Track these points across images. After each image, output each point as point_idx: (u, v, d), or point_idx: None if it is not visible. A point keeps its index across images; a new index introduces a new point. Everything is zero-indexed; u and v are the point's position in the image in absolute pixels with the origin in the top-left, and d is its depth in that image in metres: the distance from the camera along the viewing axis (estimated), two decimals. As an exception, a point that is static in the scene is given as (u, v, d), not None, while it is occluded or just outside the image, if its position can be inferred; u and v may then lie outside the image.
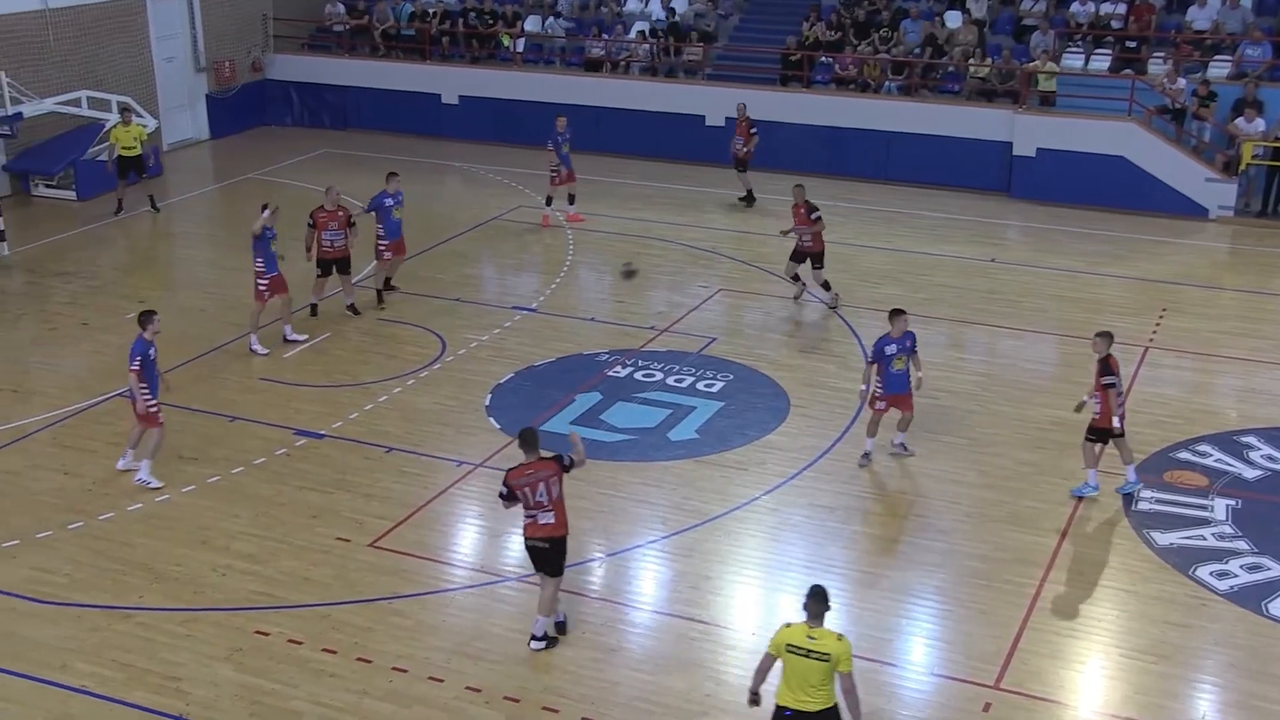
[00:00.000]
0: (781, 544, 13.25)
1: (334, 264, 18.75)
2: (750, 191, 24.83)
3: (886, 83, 26.90)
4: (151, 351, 14.13)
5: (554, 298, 19.98)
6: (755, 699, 9.52)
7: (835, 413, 16.03)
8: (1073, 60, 26.37)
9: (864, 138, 26.41)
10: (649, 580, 12.79)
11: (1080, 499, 13.97)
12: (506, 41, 29.90)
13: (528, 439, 11.29)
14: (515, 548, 13.19)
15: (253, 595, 12.23)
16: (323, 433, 15.33)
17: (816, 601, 9.17)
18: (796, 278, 19.67)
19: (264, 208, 17.80)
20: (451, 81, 29.69)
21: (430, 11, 30.91)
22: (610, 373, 17.18)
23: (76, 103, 25.00)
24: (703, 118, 27.61)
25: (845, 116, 26.62)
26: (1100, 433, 13.84)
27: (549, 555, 11.33)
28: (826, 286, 19.51)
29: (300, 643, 11.50)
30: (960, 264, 21.64)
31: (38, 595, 12.17)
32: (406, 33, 30.79)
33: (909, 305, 17.88)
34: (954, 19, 27.33)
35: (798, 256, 19.46)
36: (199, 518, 13.57)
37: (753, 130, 24.78)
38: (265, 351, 17.73)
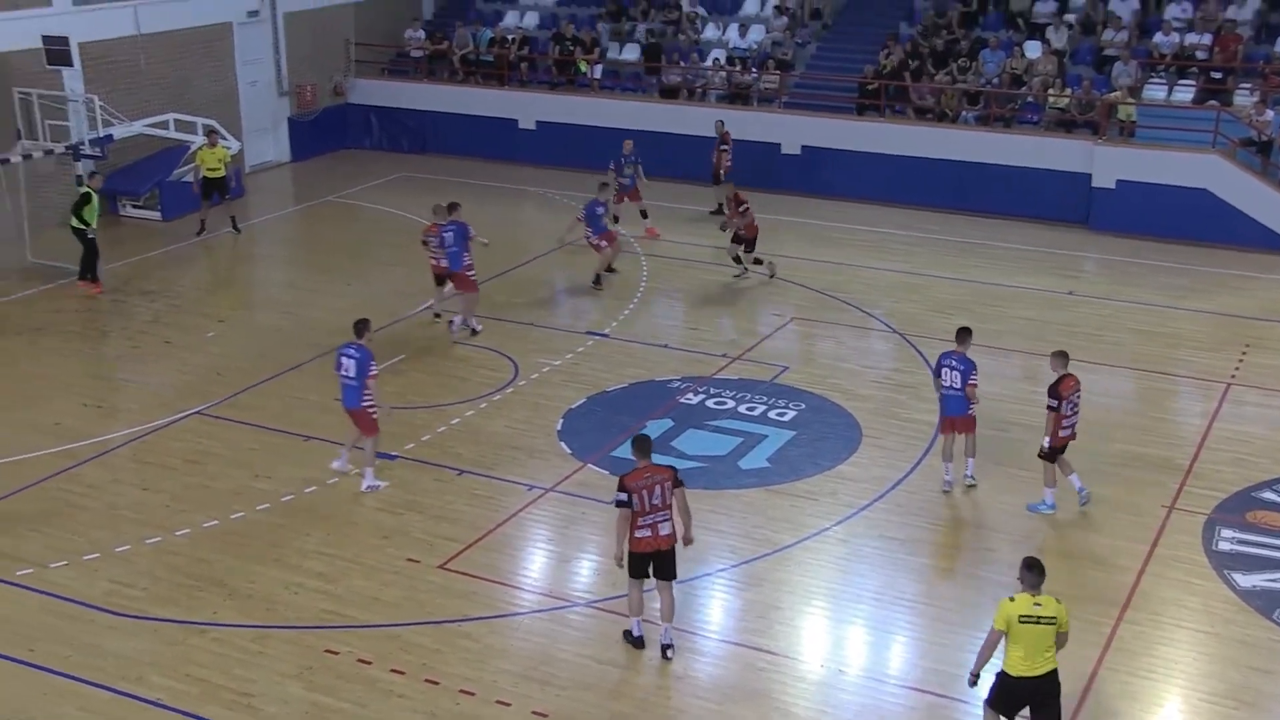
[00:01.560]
0: (852, 575, 13.15)
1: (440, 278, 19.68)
2: (720, 206, 25.20)
3: (964, 113, 26.72)
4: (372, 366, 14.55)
5: (627, 323, 20.03)
6: (976, 680, 10.07)
7: (908, 444, 15.90)
8: (1155, 91, 26.03)
9: (940, 168, 26.23)
10: (717, 608, 12.74)
11: (1036, 512, 14.20)
12: (584, 68, 30.10)
13: (641, 444, 11.65)
14: (585, 573, 13.24)
15: (323, 614, 12.35)
16: (395, 454, 15.46)
17: (1034, 572, 9.83)
18: (738, 259, 22.05)
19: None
20: (529, 107, 29.94)
21: (509, 38, 31.21)
22: (682, 399, 17.18)
23: (164, 125, 25.51)
24: (778, 145, 27.60)
25: (921, 146, 26.46)
26: (1052, 452, 14.09)
27: (667, 562, 11.60)
28: (758, 262, 21.83)
29: (369, 662, 11.58)
30: (1036, 296, 21.40)
31: (117, 608, 12.38)
32: (485, 59, 31.10)
33: (982, 337, 17.72)
34: (1033, 49, 27.10)
35: (737, 240, 21.95)
36: (272, 535, 13.73)
37: (723, 147, 25.60)
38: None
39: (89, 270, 21.21)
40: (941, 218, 25.71)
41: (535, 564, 13.58)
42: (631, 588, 11.76)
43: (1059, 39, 27.14)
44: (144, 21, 25.97)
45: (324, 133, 31.00)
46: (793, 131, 27.49)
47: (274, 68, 29.74)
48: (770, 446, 15.85)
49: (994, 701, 10.03)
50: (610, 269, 21.85)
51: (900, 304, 20.70)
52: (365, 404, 14.49)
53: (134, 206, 25.64)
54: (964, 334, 14.66)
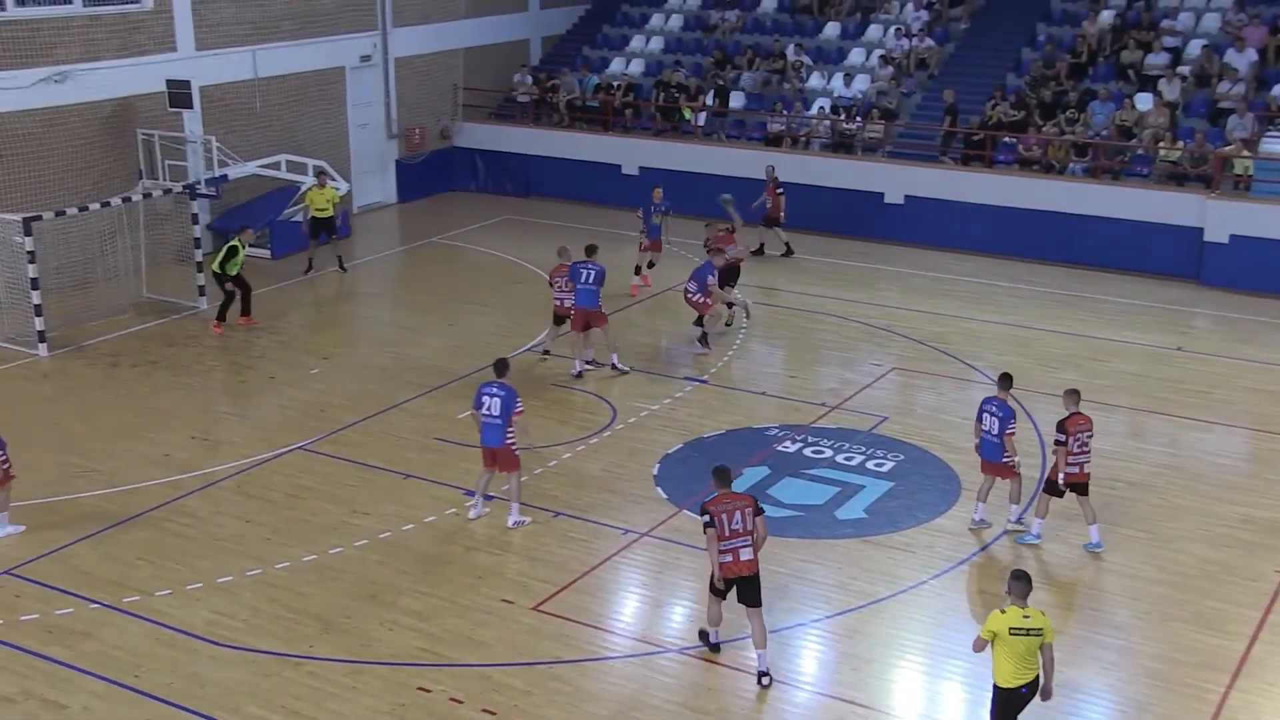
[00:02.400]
0: (947, 630, 12.92)
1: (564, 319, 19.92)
2: (788, 245, 26.11)
3: (1071, 164, 26.37)
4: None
5: (726, 370, 20.00)
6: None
7: (1007, 496, 15.59)
8: (1273, 144, 25.45)
9: (1046, 219, 25.89)
10: (810, 659, 12.59)
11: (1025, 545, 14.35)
12: (688, 115, 30.27)
13: (721, 474, 12.09)
14: (677, 619, 13.18)
15: (417, 651, 12.42)
16: (491, 495, 15.55)
17: (1023, 583, 10.20)
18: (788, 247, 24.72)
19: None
20: (632, 153, 30.17)
21: (615, 84, 31.52)
22: (779, 447, 17.08)
23: (276, 166, 26.15)
24: (881, 195, 27.47)
25: (1027, 198, 26.15)
26: (1050, 484, 14.42)
27: (751, 588, 11.87)
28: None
29: (461, 702, 11.62)
30: (1144, 351, 20.97)
31: (217, 638, 12.58)
32: (590, 104, 31.45)
33: (1088, 391, 17.38)
34: (1144, 101, 26.68)
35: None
36: (369, 571, 13.87)
37: (779, 191, 25.88)
38: (626, 369, 19.65)
39: (223, 312, 21.63)
40: (1047, 270, 25.35)
41: (628, 608, 13.54)
42: (712, 603, 12.19)
43: (1171, 91, 26.71)
44: (262, 66, 26.70)
45: (430, 175, 31.53)
46: (896, 181, 27.36)
47: (384, 111, 30.36)
48: (868, 497, 15.68)
49: (996, 716, 10.39)
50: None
51: (1004, 356, 20.39)
52: (509, 441, 14.68)
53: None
54: (1005, 380, 14.72)
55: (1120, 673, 12.21)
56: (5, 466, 14.40)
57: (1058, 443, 14.20)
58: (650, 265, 24.14)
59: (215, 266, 21.44)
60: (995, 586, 13.61)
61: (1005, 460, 14.45)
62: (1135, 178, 25.92)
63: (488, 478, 15.03)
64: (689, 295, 20.50)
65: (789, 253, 26.03)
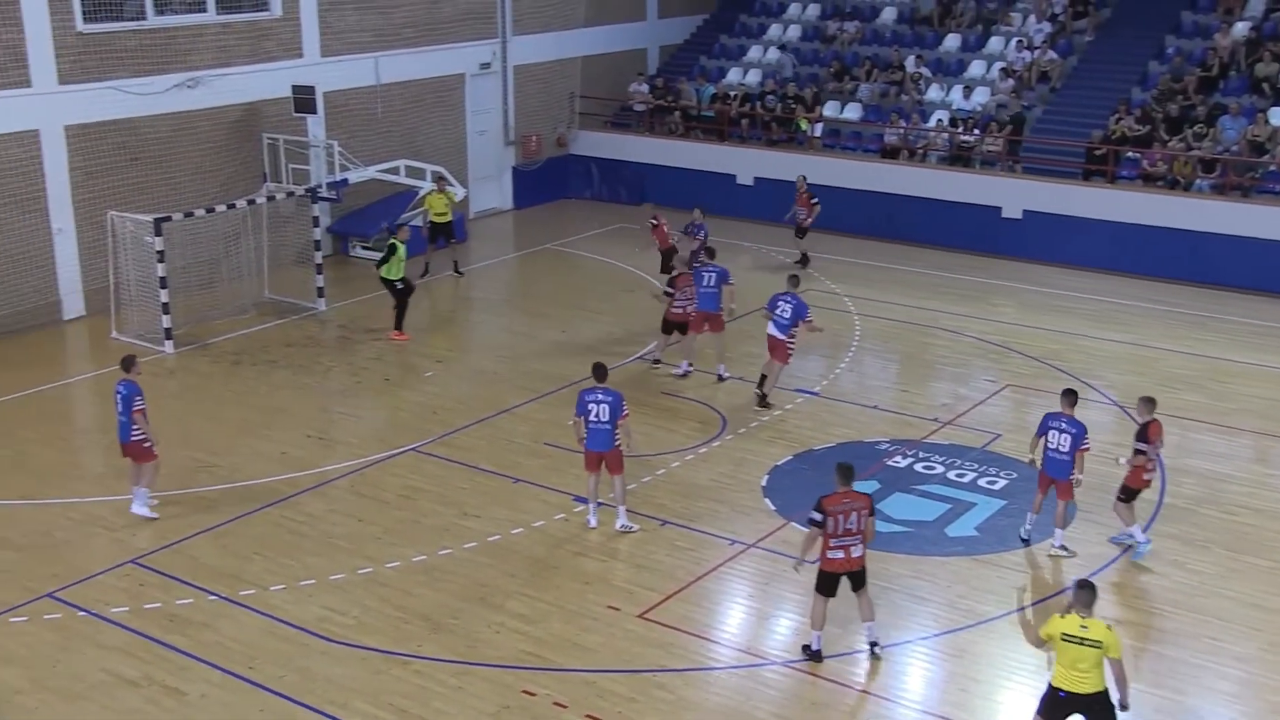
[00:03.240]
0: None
1: (677, 326, 19.92)
2: (805, 255, 25.98)
3: (1198, 180, 25.72)
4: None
5: (837, 382, 19.86)
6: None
7: (1055, 522, 15.26)
8: None
9: (1171, 237, 25.27)
10: (917, 677, 12.43)
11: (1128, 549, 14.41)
12: (804, 126, 30.15)
13: (844, 472, 12.27)
14: (782, 632, 13.11)
15: (523, 655, 12.52)
16: (600, 501, 15.62)
17: (1087, 592, 10.27)
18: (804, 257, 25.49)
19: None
20: (747, 163, 30.12)
21: (731, 94, 31.49)
22: (890, 462, 16.91)
23: (395, 171, 26.58)
24: (999, 209, 27.07)
25: (1151, 214, 25.54)
26: (1129, 491, 14.42)
27: (859, 576, 12.32)
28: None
29: (565, 706, 11.68)
30: (1273, 374, 20.36)
31: (328, 634, 12.81)
32: (706, 114, 31.48)
33: (1212, 415, 17.00)
34: (1279, 116, 25.94)
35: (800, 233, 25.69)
36: (478, 574, 14.02)
37: (814, 201, 25.86)
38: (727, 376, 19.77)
39: (399, 320, 21.77)
40: (1170, 289, 24.75)
41: (733, 619, 13.50)
42: (817, 603, 12.39)
43: (1308, 106, 25.93)
44: (384, 72, 27.18)
45: (546, 182, 31.81)
46: (1014, 195, 26.94)
47: (502, 118, 30.71)
48: (979, 515, 15.45)
49: (1041, 711, 10.50)
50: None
51: (1124, 376, 19.98)
52: (616, 444, 14.85)
53: (363, 248, 26.72)
54: (1071, 396, 14.51)
55: (1242, 705, 11.87)
56: (146, 444, 14.96)
57: (1138, 451, 14.24)
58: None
59: (379, 272, 21.66)
60: (1110, 611, 13.30)
61: (1071, 477, 14.22)
62: (1267, 195, 25.19)
63: (595, 482, 15.10)
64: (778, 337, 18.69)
65: (805, 262, 25.83)
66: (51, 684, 11.97)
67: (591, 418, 14.76)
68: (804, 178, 26.14)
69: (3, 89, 21.07)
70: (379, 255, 22.16)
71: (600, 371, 15.12)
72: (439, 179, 25.68)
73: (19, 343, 21.28)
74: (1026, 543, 14.74)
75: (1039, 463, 14.60)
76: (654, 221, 24.42)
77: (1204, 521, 15.34)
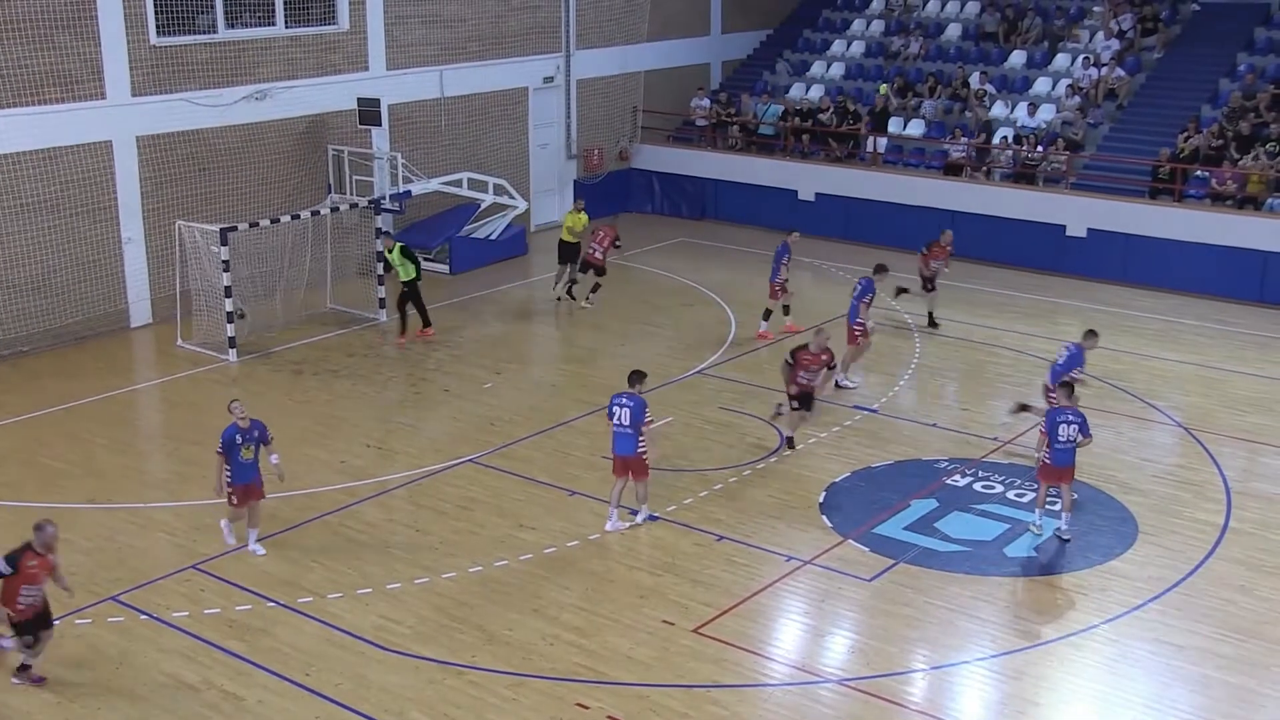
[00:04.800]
0: (1120, 678, 12.49)
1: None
2: (932, 316, 23.48)
3: (1271, 200, 25.32)
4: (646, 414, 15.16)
5: (896, 400, 19.74)
6: None
7: (1189, 544, 15.06)
8: None
9: (1240, 257, 24.90)
10: (973, 699, 12.31)
11: None
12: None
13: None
14: (838, 650, 13.03)
15: (576, 667, 12.53)
16: (656, 515, 15.62)
17: None
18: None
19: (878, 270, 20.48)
20: (809, 178, 30.04)
21: (797, 109, 31.40)
22: (949, 481, 16.78)
23: (458, 183, 26.79)
24: (1063, 227, 26.82)
25: (1220, 233, 25.18)
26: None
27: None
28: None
29: (618, 720, 11.70)
30: (1342, 397, 20.00)
31: (384, 643, 12.90)
32: (764, 130, 31.45)
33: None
34: (1350, 135, 25.53)
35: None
36: (533, 586, 14.06)
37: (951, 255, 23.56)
38: (853, 384, 19.86)
39: (423, 320, 22.29)
40: (1239, 309, 24.38)
41: (789, 636, 13.44)
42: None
43: (1380, 125, 25.50)
44: (448, 85, 27.42)
45: (608, 195, 31.88)
46: (1079, 213, 26.68)
47: (564, 132, 30.86)
48: (1038, 535, 15.28)
49: None
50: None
51: (1189, 397, 19.70)
52: (640, 451, 14.99)
53: (425, 259, 26.84)
54: (1067, 388, 15.52)
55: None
56: (229, 492, 14.51)
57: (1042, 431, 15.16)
58: (769, 316, 22.94)
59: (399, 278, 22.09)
60: (1175, 637, 13.13)
61: (1051, 460, 15.02)
62: (1339, 215, 24.79)
63: (620, 486, 15.26)
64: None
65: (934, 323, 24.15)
66: (114, 686, 12.15)
67: (615, 421, 14.98)
68: (950, 233, 23.76)
69: (79, 101, 21.48)
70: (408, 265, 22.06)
71: (634, 377, 15.22)
72: (577, 199, 25.35)
73: (88, 349, 21.65)
74: (1065, 540, 15.13)
75: (1044, 460, 15.14)
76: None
77: (1272, 546, 15.08)
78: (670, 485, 16.52)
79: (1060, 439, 14.89)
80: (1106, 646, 13.01)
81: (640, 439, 14.92)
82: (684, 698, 12.05)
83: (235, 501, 14.53)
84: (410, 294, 22.09)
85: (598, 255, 24.14)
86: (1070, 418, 14.96)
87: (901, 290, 23.59)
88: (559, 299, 24.56)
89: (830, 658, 12.93)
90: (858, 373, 20.48)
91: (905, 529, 15.39)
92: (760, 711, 11.93)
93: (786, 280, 22.57)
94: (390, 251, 22.05)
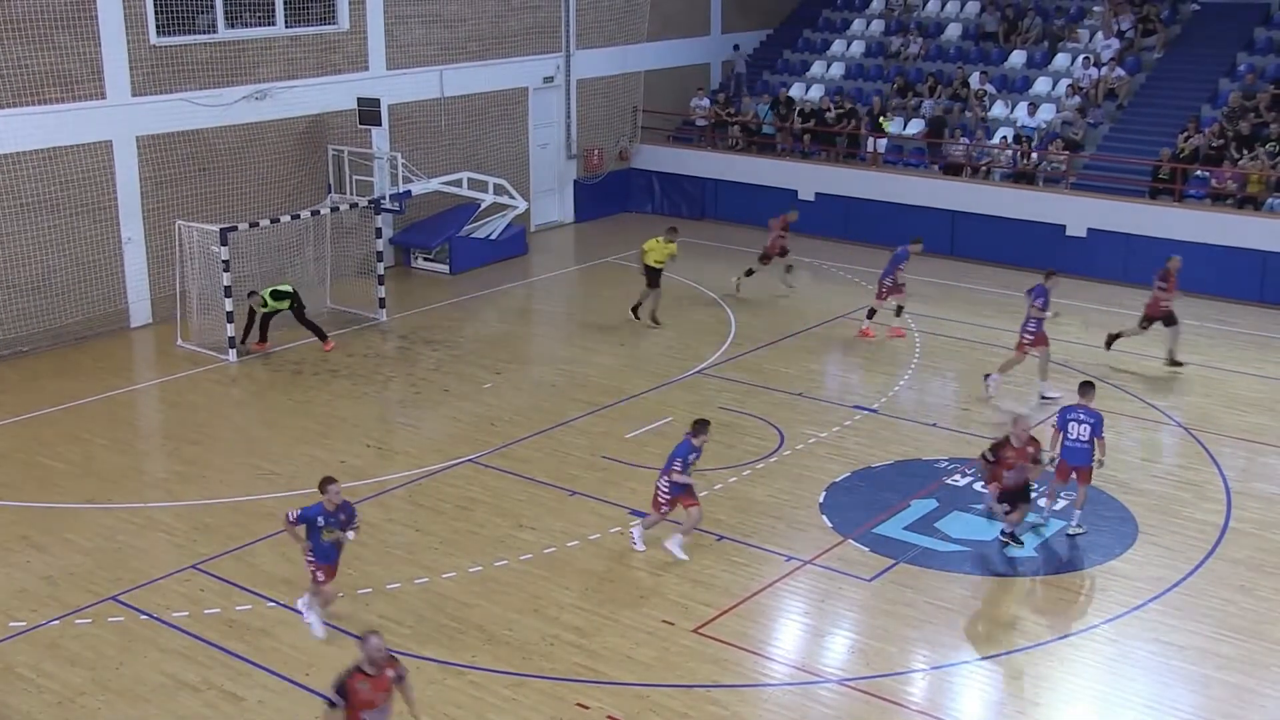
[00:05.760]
0: (1120, 678, 12.49)
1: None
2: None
3: (1271, 199, 25.32)
4: (693, 456, 14.45)
5: (896, 400, 19.74)
6: None
7: (1190, 544, 15.06)
8: None
9: (1240, 256, 24.90)
10: (974, 699, 12.30)
11: None
12: (886, 125, 29.96)
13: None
14: (838, 649, 13.03)
15: (576, 667, 12.53)
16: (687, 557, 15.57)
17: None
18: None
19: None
20: (809, 178, 30.04)
21: (798, 109, 31.38)
22: (949, 480, 16.78)
23: (458, 183, 26.78)
24: (1063, 227, 26.82)
25: (1220, 233, 25.16)
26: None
27: None
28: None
29: (618, 720, 11.70)
30: (1342, 397, 20.00)
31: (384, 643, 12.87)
32: (766, 130, 31.44)
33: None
34: (1351, 135, 25.52)
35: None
36: (532, 586, 14.05)
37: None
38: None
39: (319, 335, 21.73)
40: (1239, 309, 24.39)
41: (789, 636, 13.43)
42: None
43: (1382, 124, 25.49)
44: (448, 85, 27.41)
45: (607, 195, 31.92)
46: (1080, 213, 26.68)
47: (564, 131, 30.85)
48: (1039, 535, 15.28)
49: None
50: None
51: (1189, 397, 19.70)
52: (1091, 463, 15.12)
53: (425, 259, 26.92)
54: (1088, 388, 15.46)
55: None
56: (315, 569, 12.90)
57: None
58: (873, 312, 22.72)
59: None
60: (1175, 637, 13.13)
61: (1094, 462, 15.07)
62: (1339, 215, 24.79)
63: (663, 514, 14.76)
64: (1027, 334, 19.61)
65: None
66: (114, 686, 12.15)
67: (1067, 435, 15.20)
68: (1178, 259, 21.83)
69: (79, 101, 21.48)
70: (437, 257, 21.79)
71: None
72: (671, 229, 23.33)
73: (87, 349, 21.65)
74: (1082, 531, 15.31)
75: (1056, 457, 15.30)
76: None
77: (1272, 546, 15.09)
78: (670, 485, 16.53)
79: (1070, 436, 15.09)
80: (1106, 646, 13.01)
81: (1095, 453, 15.05)
82: (684, 698, 12.04)
83: (322, 579, 12.88)
84: (297, 315, 21.47)
85: (778, 244, 24.63)
86: (1082, 416, 15.11)
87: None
88: (646, 321, 23.12)
89: (830, 658, 12.93)
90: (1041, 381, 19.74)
91: (905, 529, 15.39)
92: (760, 711, 11.92)
93: (903, 285, 22.33)
94: (264, 304, 21.21)
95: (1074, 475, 15.25)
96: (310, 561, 12.84)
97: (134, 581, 14.03)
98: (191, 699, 11.96)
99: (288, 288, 21.54)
